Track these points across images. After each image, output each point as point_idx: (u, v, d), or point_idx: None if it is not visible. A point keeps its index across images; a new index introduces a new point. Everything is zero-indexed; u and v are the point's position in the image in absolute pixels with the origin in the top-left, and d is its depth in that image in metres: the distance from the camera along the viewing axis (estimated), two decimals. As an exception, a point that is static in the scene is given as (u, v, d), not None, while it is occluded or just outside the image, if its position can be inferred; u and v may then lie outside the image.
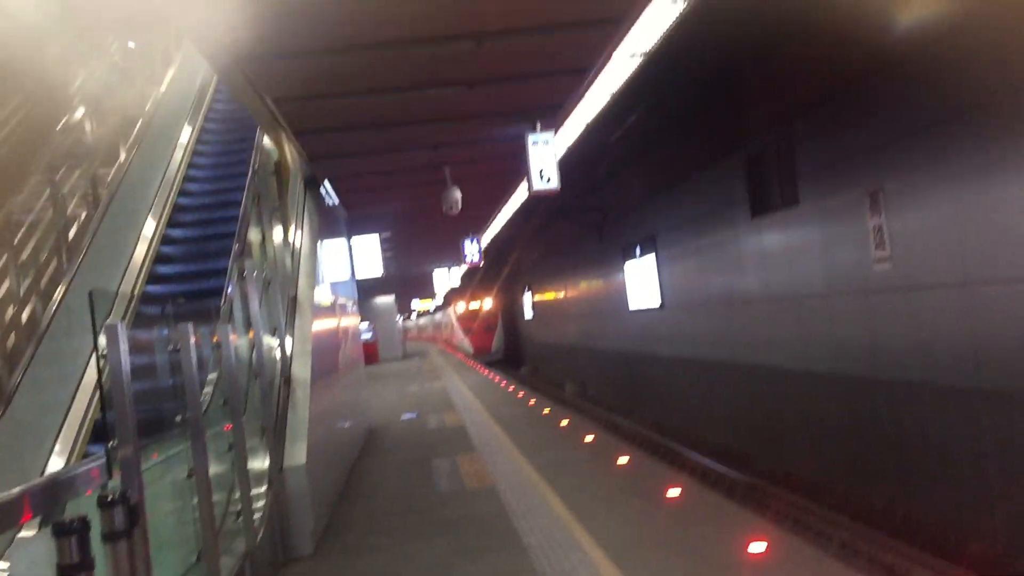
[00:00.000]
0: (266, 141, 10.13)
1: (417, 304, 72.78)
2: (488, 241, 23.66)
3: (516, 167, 11.82)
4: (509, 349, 44.65)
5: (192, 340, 4.65)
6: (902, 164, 9.61)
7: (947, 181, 8.91)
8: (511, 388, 19.60)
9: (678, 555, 5.68)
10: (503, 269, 38.30)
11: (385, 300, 41.65)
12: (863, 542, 9.52)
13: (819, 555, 5.78)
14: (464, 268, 31.01)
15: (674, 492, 7.46)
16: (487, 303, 45.93)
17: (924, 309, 9.43)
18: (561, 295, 30.75)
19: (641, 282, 20.32)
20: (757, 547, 5.54)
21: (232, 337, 5.97)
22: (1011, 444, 8.30)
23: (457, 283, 40.74)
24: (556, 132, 10.20)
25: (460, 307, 48.33)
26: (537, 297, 36.70)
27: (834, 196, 11.14)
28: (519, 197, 16.70)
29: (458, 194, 12.27)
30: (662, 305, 19.04)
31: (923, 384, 9.57)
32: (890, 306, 10.06)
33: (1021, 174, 7.80)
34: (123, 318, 4.73)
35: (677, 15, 7.28)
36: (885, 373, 10.26)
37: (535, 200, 16.93)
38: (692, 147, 15.75)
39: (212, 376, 5.81)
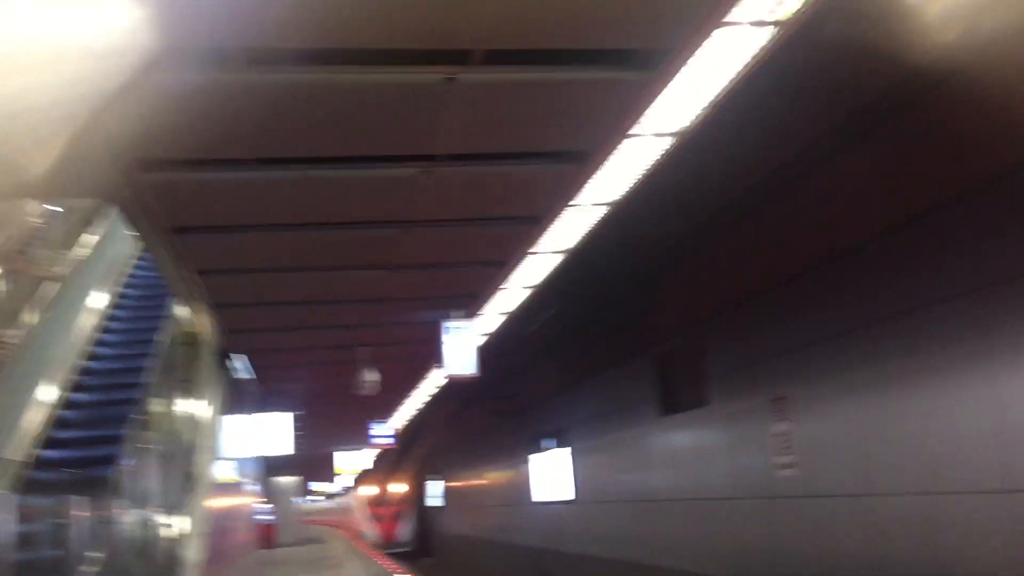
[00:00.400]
0: (182, 311, 10.03)
1: (320, 486, 69.85)
2: (400, 424, 23.33)
3: (433, 351, 11.91)
4: (420, 539, 40.89)
5: (78, 512, 4.42)
6: (808, 372, 9.97)
7: (849, 391, 9.25)
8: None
9: None
10: (415, 453, 37.45)
11: (289, 480, 40.19)
12: None
13: None
14: (374, 451, 30.38)
15: None
16: (397, 488, 42.74)
17: (826, 516, 9.54)
18: (474, 483, 30.14)
19: (549, 474, 20.14)
20: None
21: (122, 512, 5.68)
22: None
23: (366, 466, 40.30)
24: (474, 319, 10.37)
25: (367, 491, 45.65)
26: (449, 484, 35.33)
27: (742, 399, 11.42)
28: (434, 381, 16.66)
29: (372, 375, 12.22)
30: (571, 499, 18.84)
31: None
32: (794, 512, 10.15)
33: (914, 388, 8.17)
34: (16, 484, 4.49)
35: (597, 220, 7.65)
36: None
37: (450, 385, 16.94)
38: (606, 343, 16.11)
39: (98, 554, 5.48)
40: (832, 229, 9.12)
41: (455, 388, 18.54)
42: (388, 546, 37.42)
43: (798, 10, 4.33)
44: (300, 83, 5.11)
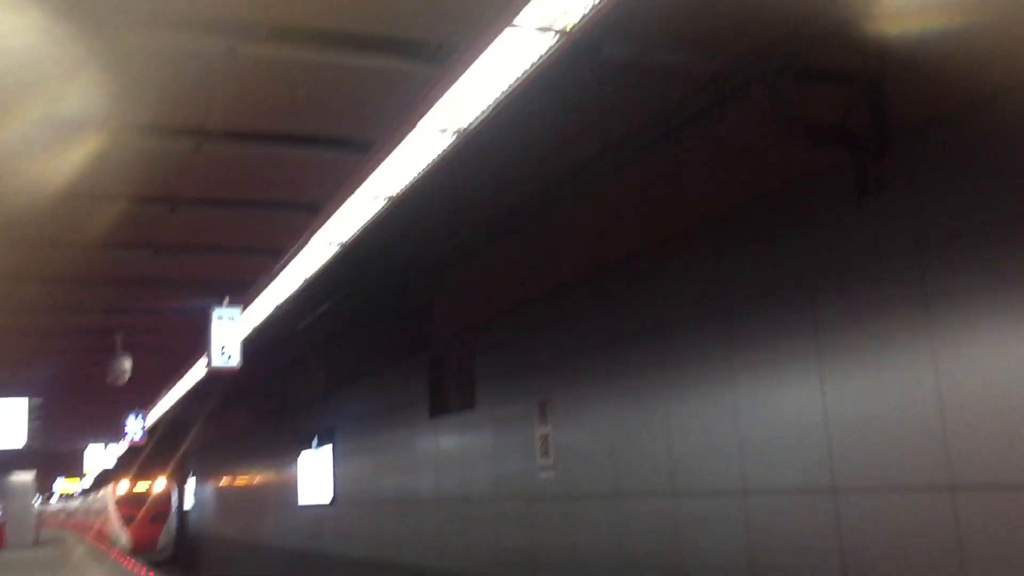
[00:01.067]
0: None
1: (63, 484, 64.40)
2: (156, 418, 22.08)
3: (196, 341, 11.37)
4: (184, 546, 36.49)
5: None
6: (568, 380, 10.38)
7: (604, 400, 9.72)
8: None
9: None
10: (177, 451, 35.23)
11: (22, 477, 36.96)
12: None
13: None
14: (125, 446, 28.39)
15: None
16: (157, 485, 37.05)
17: (581, 516, 9.96)
18: (240, 484, 28.83)
19: (315, 475, 19.75)
20: None
21: None
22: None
23: (113, 463, 36.83)
24: (244, 310, 9.99)
25: (120, 488, 37.24)
26: (215, 484, 33.08)
27: (507, 403, 11.72)
28: (196, 374, 15.90)
29: (128, 363, 11.51)
30: (333, 500, 18.55)
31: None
32: (551, 512, 10.51)
33: (664, 398, 8.70)
34: None
35: (375, 213, 7.59)
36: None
37: (216, 379, 16.24)
38: (378, 343, 16.04)
39: None
40: (594, 248, 9.58)
41: (221, 382, 17.80)
42: (142, 553, 31.95)
43: (577, 23, 4.50)
44: (59, 38, 4.72)
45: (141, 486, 36.94)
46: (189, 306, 10.23)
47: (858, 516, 6.59)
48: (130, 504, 36.36)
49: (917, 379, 6.15)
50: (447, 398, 13.73)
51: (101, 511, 43.21)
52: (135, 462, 36.60)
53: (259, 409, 23.23)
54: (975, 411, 5.76)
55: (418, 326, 14.34)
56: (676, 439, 8.58)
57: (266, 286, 9.74)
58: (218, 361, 9.58)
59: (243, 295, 9.98)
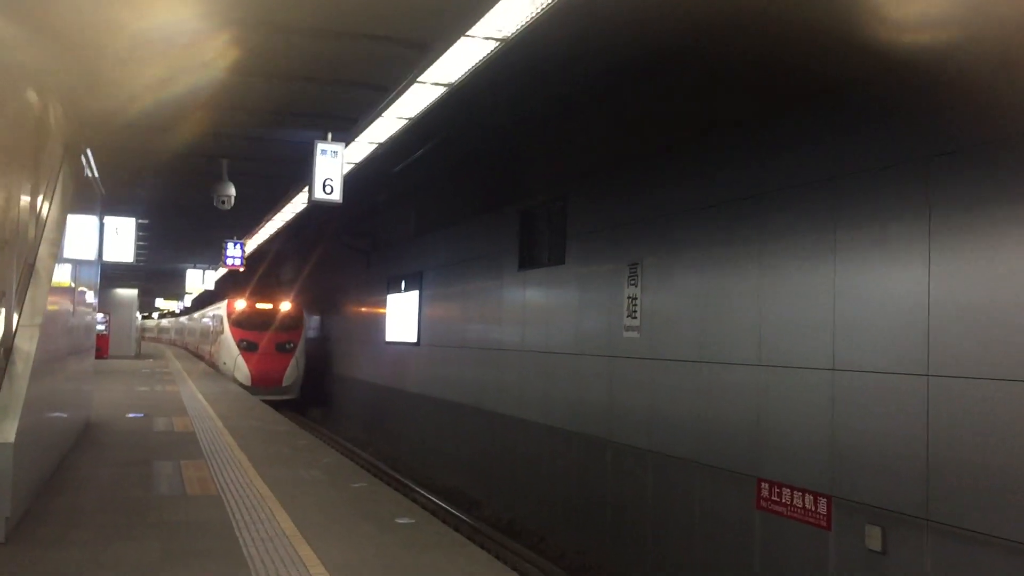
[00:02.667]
0: (28, 94, 9.28)
1: (163, 303, 67.35)
2: (254, 247, 22.81)
3: (298, 173, 11.55)
4: (312, 385, 29.28)
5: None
6: (661, 243, 10.29)
7: (696, 266, 9.64)
8: (249, 401, 18.86)
9: (402, 580, 5.62)
10: (278, 280, 34.82)
11: (126, 293, 38.99)
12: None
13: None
14: (223, 271, 29.34)
15: (405, 520, 7.43)
16: (285, 306, 30.13)
17: (661, 380, 10.07)
18: (331, 319, 29.54)
19: (403, 318, 20.32)
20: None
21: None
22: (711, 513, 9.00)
23: (212, 287, 34.01)
24: (346, 146, 10.08)
25: (238, 305, 30.06)
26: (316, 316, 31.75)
27: (597, 262, 11.73)
28: (295, 207, 16.26)
29: (232, 190, 11.80)
30: (418, 342, 19.13)
31: (650, 452, 10.18)
32: (632, 373, 10.65)
33: (757, 271, 8.58)
34: None
35: (485, 55, 7.45)
36: (619, 437, 10.82)
37: (313, 214, 16.59)
38: (471, 192, 16.08)
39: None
40: (699, 109, 9.25)
41: (319, 218, 18.19)
42: (261, 391, 25.82)
43: None
44: None
45: (265, 304, 30.00)
46: (294, 138, 10.33)
47: (949, 402, 6.51)
48: (250, 326, 29.05)
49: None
50: (537, 252, 13.81)
51: (210, 332, 35.99)
52: (245, 285, 32.36)
53: (352, 247, 23.76)
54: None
55: (512, 177, 14.29)
56: (767, 311, 8.51)
57: (369, 123, 9.75)
58: (320, 194, 9.72)
59: (346, 131, 10.02)
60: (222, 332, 30.52)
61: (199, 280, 31.25)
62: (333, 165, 9.71)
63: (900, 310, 6.99)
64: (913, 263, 6.87)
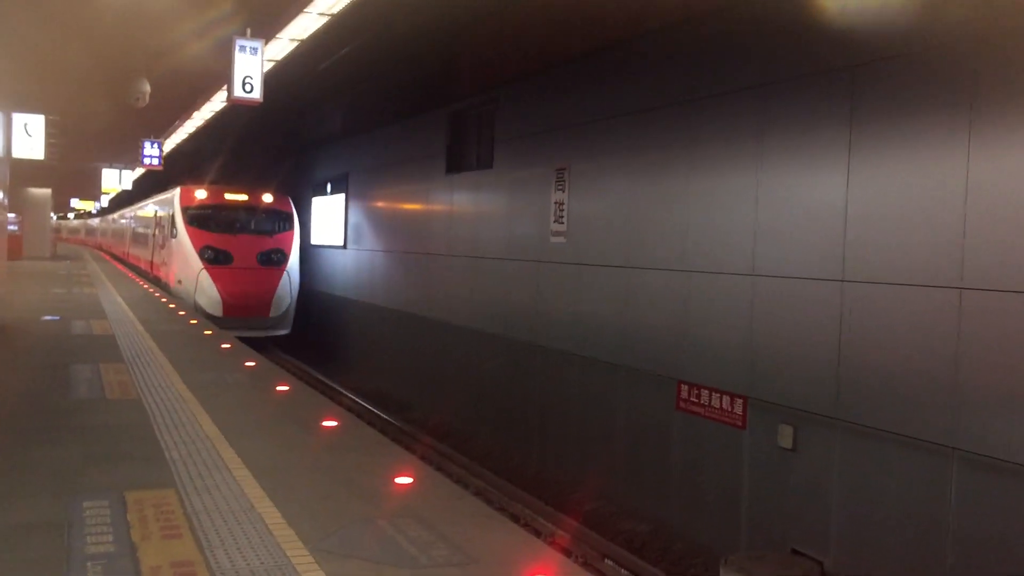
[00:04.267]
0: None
1: (79, 204, 64.89)
2: (172, 147, 22.09)
3: (216, 70, 11.14)
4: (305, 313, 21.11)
5: None
6: (589, 148, 10.27)
7: (623, 172, 9.65)
8: (172, 305, 18.55)
9: (326, 480, 5.69)
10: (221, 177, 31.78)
11: (39, 192, 37.61)
12: (496, 491, 10.19)
13: (461, 492, 6.06)
14: (140, 171, 28.18)
15: (330, 423, 7.46)
16: (267, 199, 20.74)
17: (588, 284, 10.18)
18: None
19: (329, 220, 20.04)
20: (404, 480, 5.69)
21: None
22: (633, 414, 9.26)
23: (129, 187, 32.72)
24: (266, 43, 9.72)
25: (199, 194, 20.58)
26: None
27: (525, 166, 11.67)
28: (214, 106, 15.73)
29: (147, 86, 11.33)
30: (344, 246, 18.95)
31: (576, 355, 10.35)
32: (559, 277, 10.74)
33: (684, 177, 8.65)
34: None
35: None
36: (545, 341, 10.97)
37: (234, 114, 16.08)
38: (398, 93, 15.75)
39: None
40: (625, 12, 9.14)
41: (240, 117, 17.64)
42: (243, 325, 18.49)
43: None
44: None
45: (238, 195, 20.64)
46: (211, 33, 9.93)
47: (862, 306, 6.73)
48: (218, 226, 20.02)
49: (946, 181, 6.07)
50: (465, 155, 13.67)
51: (154, 234, 25.40)
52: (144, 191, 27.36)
53: (277, 149, 23.21)
54: (998, 218, 5.73)
55: (440, 79, 14.02)
56: (692, 217, 8.60)
57: (292, 18, 9.42)
58: (239, 93, 9.42)
59: (267, 28, 9.67)
60: (174, 235, 20.62)
61: (116, 180, 30.28)
62: (253, 63, 9.38)
63: (819, 217, 7.13)
64: (833, 171, 6.99)
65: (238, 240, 19.77)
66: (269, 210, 20.60)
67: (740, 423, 7.89)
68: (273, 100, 9.95)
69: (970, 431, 5.87)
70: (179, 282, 20.25)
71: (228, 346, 12.00)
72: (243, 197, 20.50)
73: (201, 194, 20.35)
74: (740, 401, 7.89)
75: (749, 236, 7.84)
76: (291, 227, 20.58)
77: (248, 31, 9.49)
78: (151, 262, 25.82)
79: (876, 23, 6.68)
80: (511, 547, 4.66)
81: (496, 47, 11.70)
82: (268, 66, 10.29)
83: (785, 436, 7.37)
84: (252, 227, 20.28)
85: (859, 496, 6.74)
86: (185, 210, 20.09)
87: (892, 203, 6.51)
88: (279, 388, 9.01)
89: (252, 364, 10.52)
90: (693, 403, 8.46)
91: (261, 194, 20.52)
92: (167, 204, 22.21)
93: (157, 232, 24.39)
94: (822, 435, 7.04)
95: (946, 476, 6.02)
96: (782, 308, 7.51)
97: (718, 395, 8.15)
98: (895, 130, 6.51)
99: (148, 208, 27.56)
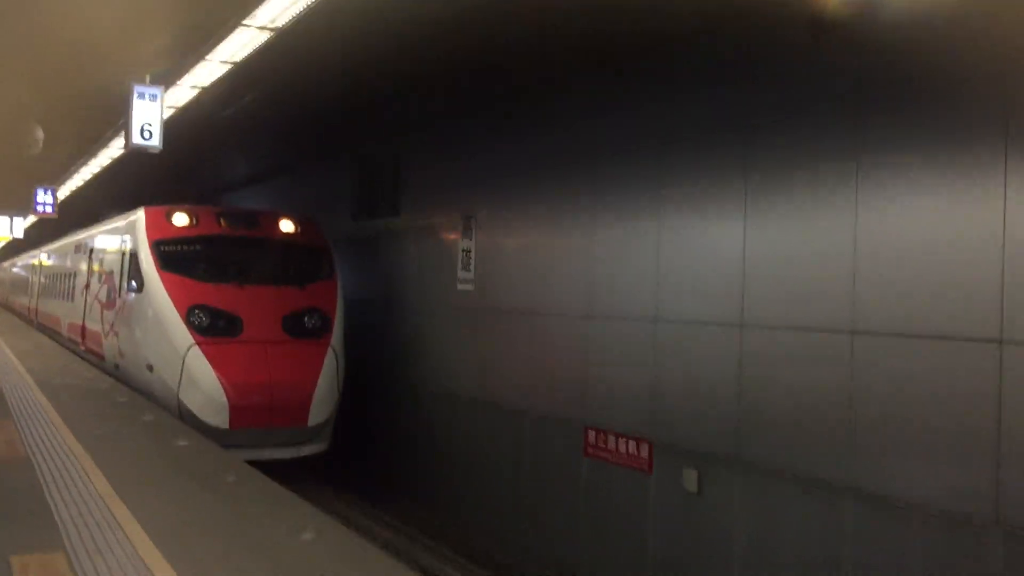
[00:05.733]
0: None
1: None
2: (67, 194, 21.42)
3: (114, 116, 10.90)
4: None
5: None
6: (495, 197, 10.37)
7: (529, 221, 9.79)
8: (67, 355, 17.81)
9: (225, 538, 5.52)
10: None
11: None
12: (407, 541, 10.02)
13: (365, 545, 5.95)
14: (33, 219, 27.05)
15: (230, 478, 7.26)
16: (286, 227, 12.75)
17: (497, 331, 10.21)
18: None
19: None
20: (307, 536, 5.57)
21: None
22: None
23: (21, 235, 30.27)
24: (166, 90, 9.56)
25: (177, 221, 12.36)
26: None
27: (432, 214, 11.70)
28: (112, 152, 15.33)
29: (40, 133, 10.99)
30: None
31: (484, 402, 10.34)
32: (470, 324, 10.75)
33: (569, 225, 8.80)
34: None
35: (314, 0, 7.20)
36: (455, 387, 10.94)
37: (132, 160, 15.67)
38: (304, 139, 15.64)
39: None
40: (531, 64, 9.33)
41: (139, 164, 17.21)
42: (263, 439, 11.11)
43: None
44: None
45: (241, 221, 12.97)
46: (109, 79, 9.71)
47: (758, 351, 6.92)
48: (212, 272, 12.15)
49: (837, 229, 6.32)
50: (373, 202, 13.62)
51: (79, 284, 17.69)
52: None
53: (181, 196, 22.69)
54: (886, 263, 5.99)
55: (346, 125, 13.98)
56: (596, 265, 8.74)
57: (192, 66, 9.28)
58: (137, 140, 9.21)
59: (166, 75, 9.51)
60: (133, 288, 12.59)
61: (7, 227, 28.83)
62: (152, 109, 9.20)
63: (718, 265, 7.33)
64: (731, 222, 7.21)
65: (249, 295, 11.69)
66: (294, 244, 12.68)
67: (647, 467, 7.96)
68: (175, 146, 9.77)
69: (864, 469, 6.05)
70: (149, 367, 11.80)
71: (125, 399, 11.57)
72: (250, 223, 12.74)
73: (180, 219, 12.30)
74: (646, 445, 7.98)
75: (651, 282, 8.00)
76: (330, 272, 12.53)
77: (148, 77, 9.33)
78: (82, 328, 16.78)
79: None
80: (417, 601, 4.58)
81: (399, 94, 11.75)
82: (168, 112, 10.10)
83: (690, 479, 7.48)
84: (270, 273, 12.32)
85: (761, 536, 6.87)
86: (157, 245, 11.97)
87: (785, 250, 6.74)
88: (178, 443, 8.73)
89: (150, 418, 10.17)
90: (600, 448, 8.51)
91: (277, 218, 12.76)
92: (118, 236, 13.91)
93: (95, 282, 15.65)
94: (725, 477, 7.17)
95: (841, 514, 6.19)
96: (684, 352, 7.66)
97: (624, 440, 8.23)
98: (787, 180, 6.77)
99: (77, 244, 18.80)
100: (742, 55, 7.18)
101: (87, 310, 16.41)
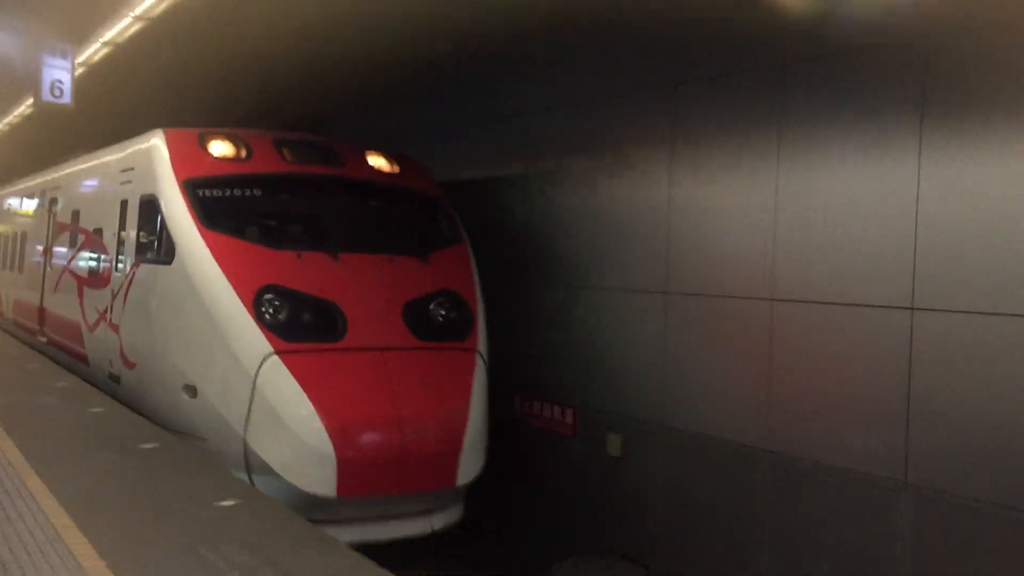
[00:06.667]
0: None
1: None
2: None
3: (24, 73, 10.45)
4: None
5: None
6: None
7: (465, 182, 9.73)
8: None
9: (142, 506, 5.40)
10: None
11: None
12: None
13: (290, 513, 5.87)
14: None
15: (149, 445, 7.08)
16: (376, 161, 8.49)
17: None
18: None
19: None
20: (228, 503, 5.48)
21: None
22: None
23: None
24: (79, 45, 9.20)
25: (215, 150, 7.88)
26: None
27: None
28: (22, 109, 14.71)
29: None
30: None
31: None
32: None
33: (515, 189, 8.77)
34: None
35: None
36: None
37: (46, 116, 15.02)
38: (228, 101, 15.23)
39: None
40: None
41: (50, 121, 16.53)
42: (395, 511, 7.04)
43: None
44: None
45: (315, 150, 8.46)
46: (19, 36, 9.29)
47: (683, 317, 7.03)
48: (286, 228, 8.05)
49: (760, 195, 6.41)
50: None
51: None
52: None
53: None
54: (801, 231, 6.11)
55: (268, 92, 13.66)
56: (534, 231, 8.74)
57: (102, 22, 8.92)
58: (47, 97, 8.86)
59: (78, 32, 9.14)
60: (161, 254, 7.97)
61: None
62: (63, 65, 8.84)
63: (645, 231, 7.38)
64: (658, 188, 7.26)
65: (348, 271, 7.67)
66: (398, 191, 8.73)
67: (572, 432, 8.04)
68: (89, 104, 9.39)
69: (782, 434, 6.21)
70: (188, 390, 7.50)
71: (36, 366, 11.19)
72: (329, 158, 8.49)
73: (222, 148, 8.09)
74: (571, 411, 8.05)
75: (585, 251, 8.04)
76: (455, 234, 8.51)
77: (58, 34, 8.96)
78: (40, 312, 12.40)
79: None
80: (342, 571, 4.55)
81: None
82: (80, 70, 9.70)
83: (614, 444, 7.57)
84: (373, 236, 8.36)
85: (680, 498, 7.01)
86: (191, 188, 7.78)
87: (710, 217, 6.83)
88: (93, 410, 8.46)
89: (64, 384, 9.86)
90: (527, 413, 8.57)
91: (363, 152, 8.67)
92: (114, 177, 9.60)
93: (69, 245, 11.24)
94: (648, 441, 7.28)
95: (762, 478, 6.35)
96: (612, 320, 7.72)
97: (551, 405, 8.30)
98: (716, 147, 6.85)
99: (42, 189, 13.63)
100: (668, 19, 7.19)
101: (50, 285, 11.63)
